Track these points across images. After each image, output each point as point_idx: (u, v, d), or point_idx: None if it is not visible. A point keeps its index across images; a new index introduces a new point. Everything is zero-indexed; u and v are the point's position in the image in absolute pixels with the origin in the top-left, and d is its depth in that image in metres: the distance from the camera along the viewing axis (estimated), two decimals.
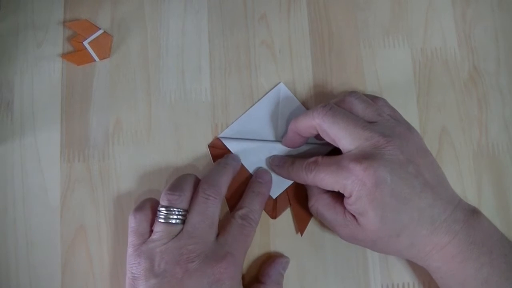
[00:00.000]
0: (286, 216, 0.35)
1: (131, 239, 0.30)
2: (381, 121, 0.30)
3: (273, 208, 0.34)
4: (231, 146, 0.35)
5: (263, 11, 0.38)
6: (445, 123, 0.36)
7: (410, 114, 0.36)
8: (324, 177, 0.29)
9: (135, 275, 0.29)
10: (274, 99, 0.36)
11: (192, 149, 0.35)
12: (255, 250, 0.34)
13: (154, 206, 0.31)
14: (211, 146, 0.35)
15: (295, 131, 0.32)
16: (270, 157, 0.35)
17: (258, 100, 0.36)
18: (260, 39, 0.37)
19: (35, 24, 0.37)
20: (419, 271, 0.34)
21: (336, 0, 0.38)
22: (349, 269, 0.34)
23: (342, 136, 0.29)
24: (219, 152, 0.35)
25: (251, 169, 0.35)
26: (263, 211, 0.34)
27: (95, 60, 0.37)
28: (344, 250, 0.34)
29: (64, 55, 0.37)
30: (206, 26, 0.37)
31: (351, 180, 0.28)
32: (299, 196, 0.34)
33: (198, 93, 0.36)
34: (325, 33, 0.37)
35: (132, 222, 0.30)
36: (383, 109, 0.32)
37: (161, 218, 0.30)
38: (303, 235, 0.34)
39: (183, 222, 0.30)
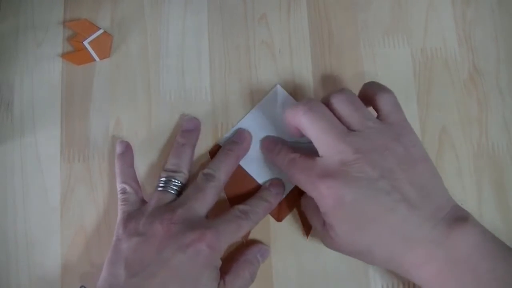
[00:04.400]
0: (286, 217, 0.35)
1: (122, 207, 0.32)
2: (363, 131, 0.28)
3: (278, 211, 0.34)
4: None
5: (263, 11, 0.38)
6: (445, 123, 0.36)
7: (410, 114, 0.36)
8: (297, 181, 0.30)
9: (120, 236, 0.30)
10: (272, 102, 0.36)
11: None
12: None
13: (135, 177, 0.34)
14: (212, 153, 0.35)
15: (288, 124, 0.31)
16: (263, 138, 0.35)
17: (257, 104, 0.36)
18: (260, 39, 0.37)
19: (35, 24, 0.37)
20: None
21: (336, 0, 0.38)
22: (349, 269, 0.34)
23: (316, 141, 0.29)
24: None
25: (252, 173, 0.35)
26: (269, 215, 0.34)
27: (95, 60, 0.37)
28: None
29: (64, 55, 0.37)
30: (206, 26, 0.37)
31: (316, 194, 0.28)
32: None
33: (198, 93, 0.36)
34: (325, 33, 0.37)
35: (120, 193, 0.33)
36: (384, 107, 0.29)
37: (160, 187, 0.32)
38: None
39: (178, 195, 0.32)
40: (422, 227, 0.26)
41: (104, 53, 0.37)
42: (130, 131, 0.36)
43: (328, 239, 0.29)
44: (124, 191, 0.33)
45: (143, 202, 0.33)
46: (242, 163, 0.35)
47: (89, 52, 0.37)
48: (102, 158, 0.35)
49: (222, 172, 0.32)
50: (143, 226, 0.29)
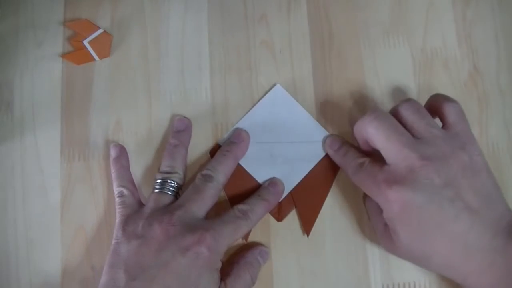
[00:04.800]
0: (286, 216, 0.35)
1: (121, 211, 0.32)
2: (428, 138, 0.29)
3: (278, 211, 0.34)
4: None
5: (263, 11, 0.38)
6: None
7: None
8: (364, 185, 0.30)
9: (119, 239, 0.30)
10: (271, 101, 0.36)
11: (192, 149, 0.35)
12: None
13: (129, 177, 0.34)
14: (212, 153, 0.35)
15: (357, 137, 0.32)
16: (326, 136, 0.35)
17: (256, 103, 0.36)
18: (260, 39, 0.37)
19: (35, 24, 0.37)
20: (420, 270, 0.34)
21: (336, 0, 0.38)
22: (349, 269, 0.34)
23: (383, 147, 0.29)
24: None
25: (253, 172, 0.35)
26: (268, 214, 0.34)
27: (95, 60, 0.37)
28: (344, 250, 0.34)
29: (64, 55, 0.37)
30: (206, 26, 0.37)
31: (381, 199, 0.29)
32: (304, 198, 0.34)
33: (198, 93, 0.36)
34: (325, 33, 0.37)
35: (117, 197, 0.33)
36: (448, 117, 0.30)
37: (157, 188, 0.32)
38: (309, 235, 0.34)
39: (176, 196, 0.32)
40: (483, 236, 0.27)
41: (104, 52, 0.37)
42: (130, 131, 0.36)
43: (388, 243, 0.30)
44: (121, 194, 0.33)
45: (141, 204, 0.33)
46: (243, 162, 0.35)
47: (89, 51, 0.37)
48: (102, 158, 0.35)
49: (220, 173, 0.32)
50: (142, 229, 0.29)
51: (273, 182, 0.34)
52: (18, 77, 0.37)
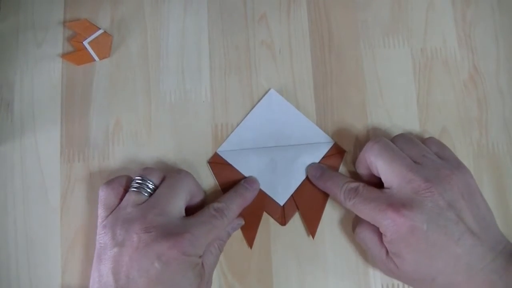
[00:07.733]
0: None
1: (100, 211, 0.31)
2: (425, 162, 0.30)
3: (281, 215, 0.34)
4: (231, 159, 0.35)
5: (263, 11, 0.38)
6: (445, 123, 0.36)
7: (410, 114, 0.36)
8: (362, 210, 0.30)
9: (102, 245, 0.30)
10: (267, 106, 0.36)
11: (192, 149, 0.35)
12: (255, 250, 0.34)
13: (122, 182, 0.32)
14: (211, 162, 0.35)
15: (361, 166, 0.33)
16: (309, 165, 0.35)
17: (251, 110, 0.36)
18: (260, 39, 0.37)
19: (35, 24, 0.37)
20: None
21: (336, 0, 0.38)
22: (349, 269, 0.34)
23: (386, 171, 0.30)
24: (219, 167, 0.35)
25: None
26: (272, 219, 0.35)
27: (95, 60, 0.37)
28: (344, 250, 0.34)
29: (64, 55, 0.37)
30: (206, 26, 0.37)
31: (387, 222, 0.29)
32: (307, 200, 0.34)
33: (198, 93, 0.36)
34: (325, 33, 0.37)
35: (100, 194, 0.32)
36: (431, 148, 0.32)
37: (134, 187, 0.31)
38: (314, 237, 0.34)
39: (151, 195, 0.31)
40: (484, 258, 0.28)
41: (104, 53, 0.37)
42: (130, 131, 0.36)
43: (391, 268, 0.30)
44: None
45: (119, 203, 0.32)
46: (243, 169, 0.35)
47: (89, 52, 0.37)
48: (102, 158, 0.35)
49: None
50: (120, 235, 0.29)
51: (249, 179, 0.34)
52: (18, 77, 0.37)
